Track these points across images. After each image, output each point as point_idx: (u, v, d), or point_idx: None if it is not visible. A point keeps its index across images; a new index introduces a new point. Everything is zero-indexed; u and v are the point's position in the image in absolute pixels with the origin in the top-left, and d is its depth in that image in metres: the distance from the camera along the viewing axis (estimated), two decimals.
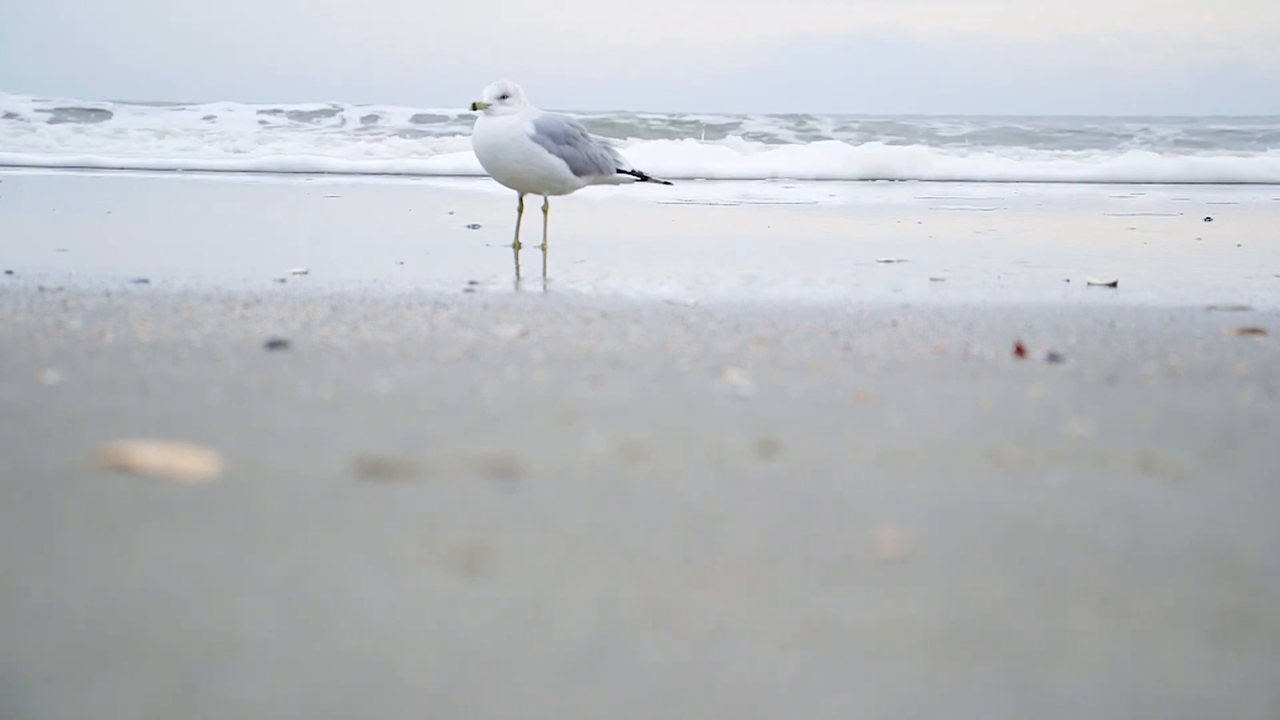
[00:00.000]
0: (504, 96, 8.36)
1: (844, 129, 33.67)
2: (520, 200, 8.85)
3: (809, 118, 35.68)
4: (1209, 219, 13.56)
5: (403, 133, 32.26)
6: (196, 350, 4.31)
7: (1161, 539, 2.33)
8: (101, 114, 33.88)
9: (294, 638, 1.78)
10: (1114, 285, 7.35)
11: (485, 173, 8.70)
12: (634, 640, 1.81)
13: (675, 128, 33.00)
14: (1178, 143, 31.38)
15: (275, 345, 4.39)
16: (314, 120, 34.28)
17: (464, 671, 1.70)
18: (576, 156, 8.48)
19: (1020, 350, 4.64)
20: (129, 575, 2.02)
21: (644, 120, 35.20)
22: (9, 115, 32.41)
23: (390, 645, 1.77)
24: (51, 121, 32.25)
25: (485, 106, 8.33)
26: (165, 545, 2.17)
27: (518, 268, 7.90)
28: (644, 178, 8.86)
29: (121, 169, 22.75)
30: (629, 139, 27.97)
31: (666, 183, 9.62)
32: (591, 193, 13.63)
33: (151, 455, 2.69)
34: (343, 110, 34.84)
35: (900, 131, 33.59)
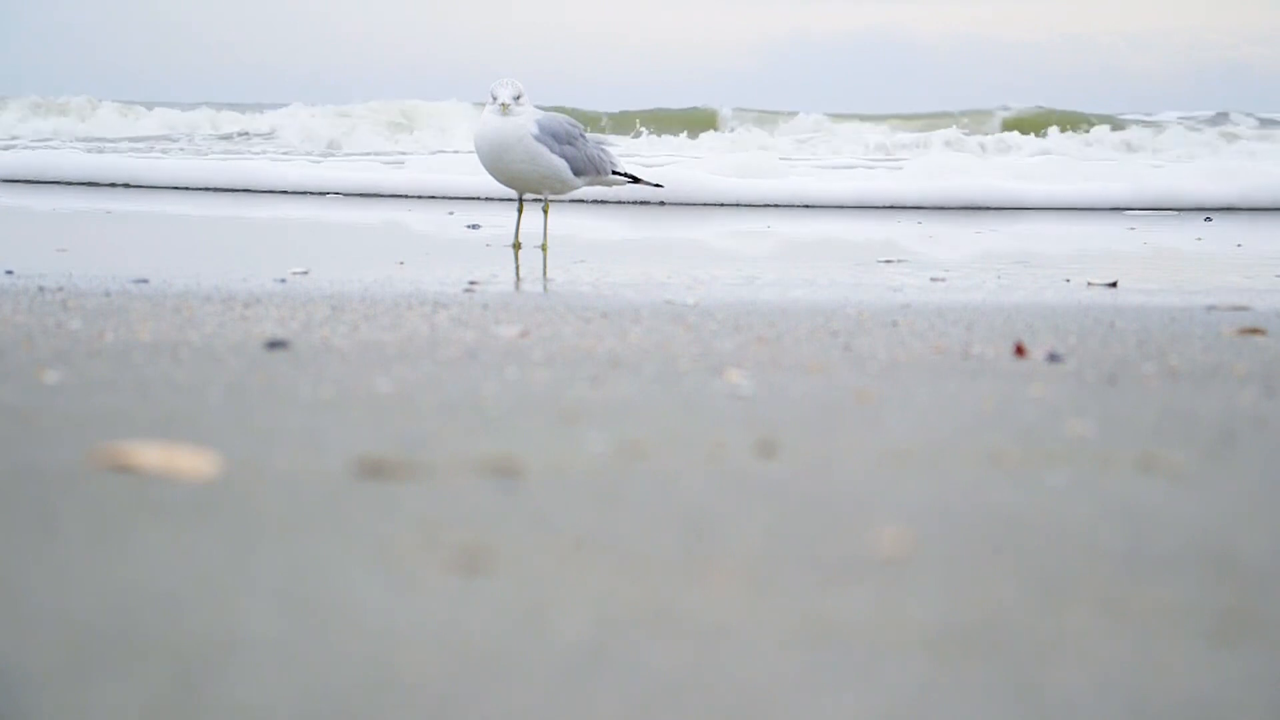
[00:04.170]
0: (517, 97, 8.35)
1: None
2: (520, 200, 8.86)
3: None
4: (1209, 219, 13.56)
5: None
6: (196, 350, 4.30)
7: (1161, 539, 2.33)
8: None
9: (294, 637, 1.78)
10: (1114, 285, 7.35)
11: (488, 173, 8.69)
12: (634, 640, 1.81)
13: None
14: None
15: (275, 345, 4.39)
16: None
17: (464, 671, 1.69)
18: (577, 157, 8.48)
19: (1020, 350, 4.64)
20: (129, 575, 2.02)
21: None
22: None
23: (390, 645, 1.77)
24: None
25: (507, 108, 8.31)
26: (165, 545, 2.17)
27: (518, 268, 7.90)
28: (636, 180, 8.90)
29: None
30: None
31: (657, 185, 9.67)
32: (591, 193, 13.63)
33: (151, 455, 2.69)
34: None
35: None
